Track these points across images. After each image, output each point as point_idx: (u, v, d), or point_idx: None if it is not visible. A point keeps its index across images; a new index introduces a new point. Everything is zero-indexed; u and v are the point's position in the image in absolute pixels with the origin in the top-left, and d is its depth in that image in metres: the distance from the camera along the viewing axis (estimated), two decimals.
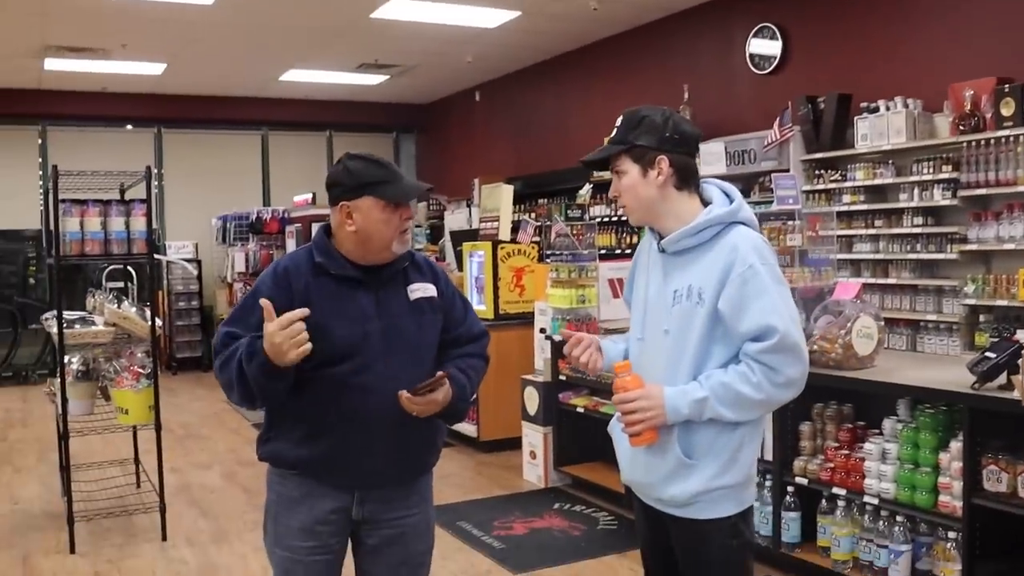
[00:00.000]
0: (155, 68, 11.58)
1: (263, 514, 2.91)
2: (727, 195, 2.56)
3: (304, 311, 2.50)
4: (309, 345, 2.48)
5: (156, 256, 6.83)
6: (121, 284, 7.17)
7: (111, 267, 7.27)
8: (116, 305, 5.60)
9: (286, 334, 2.46)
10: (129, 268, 7.51)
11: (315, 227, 11.59)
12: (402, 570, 2.83)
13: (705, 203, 2.55)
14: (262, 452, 2.81)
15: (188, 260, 13.06)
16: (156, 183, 11.76)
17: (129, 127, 13.74)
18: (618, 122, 2.62)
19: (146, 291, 7.91)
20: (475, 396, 3.14)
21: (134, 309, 5.66)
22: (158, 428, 5.52)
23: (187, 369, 12.99)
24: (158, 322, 5.61)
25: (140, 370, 5.47)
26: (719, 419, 2.42)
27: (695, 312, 2.45)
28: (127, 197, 5.83)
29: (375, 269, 2.73)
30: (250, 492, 6.72)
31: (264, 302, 2.51)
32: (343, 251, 2.72)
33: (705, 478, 2.46)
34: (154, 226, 5.86)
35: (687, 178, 2.53)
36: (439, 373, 2.65)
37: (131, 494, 6.37)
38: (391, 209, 2.65)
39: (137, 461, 6.71)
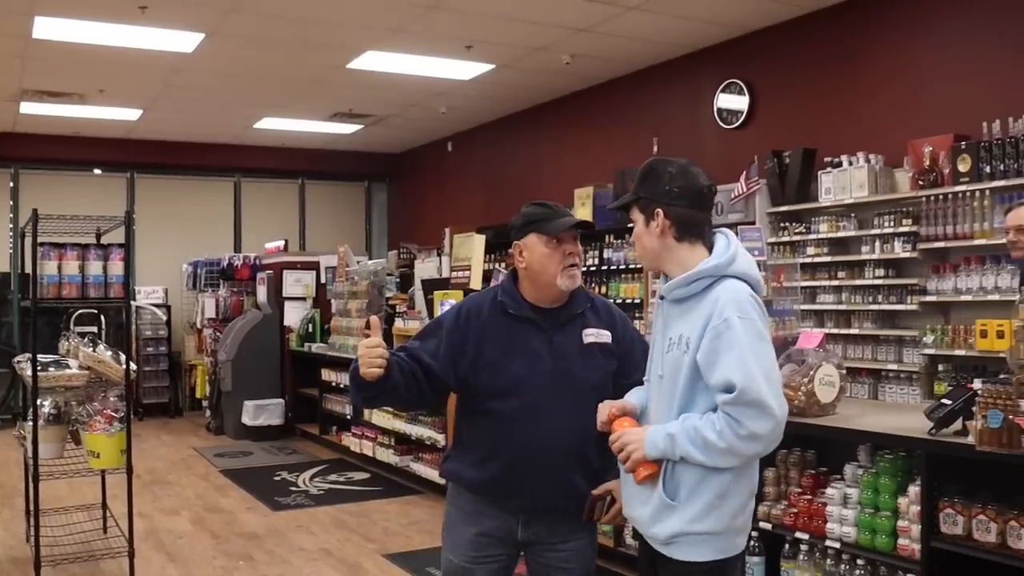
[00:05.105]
0: (131, 114, 11.65)
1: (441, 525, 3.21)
2: (729, 246, 2.61)
3: (381, 344, 2.77)
4: (378, 371, 2.73)
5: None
6: (89, 328, 7.18)
7: (80, 311, 7.27)
8: (92, 349, 5.62)
9: (365, 352, 2.74)
10: (99, 313, 7.52)
11: (286, 273, 11.69)
12: None
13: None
14: (442, 469, 3.11)
15: (158, 305, 13.05)
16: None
17: (98, 171, 13.77)
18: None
19: (112, 336, 7.93)
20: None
21: (109, 353, 5.69)
22: (129, 472, 5.52)
23: (154, 415, 12.93)
24: (132, 366, 5.63)
25: (113, 414, 5.48)
26: (690, 459, 2.47)
27: (682, 360, 2.54)
28: (103, 242, 5.88)
29: (552, 311, 2.98)
30: (218, 538, 6.70)
31: (373, 319, 2.81)
32: (523, 291, 3.01)
33: (683, 520, 2.52)
34: None
35: (687, 229, 2.60)
36: (590, 496, 2.92)
37: (98, 539, 6.34)
38: (553, 244, 2.92)
39: (105, 506, 6.67)
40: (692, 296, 2.57)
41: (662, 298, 2.68)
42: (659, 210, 2.59)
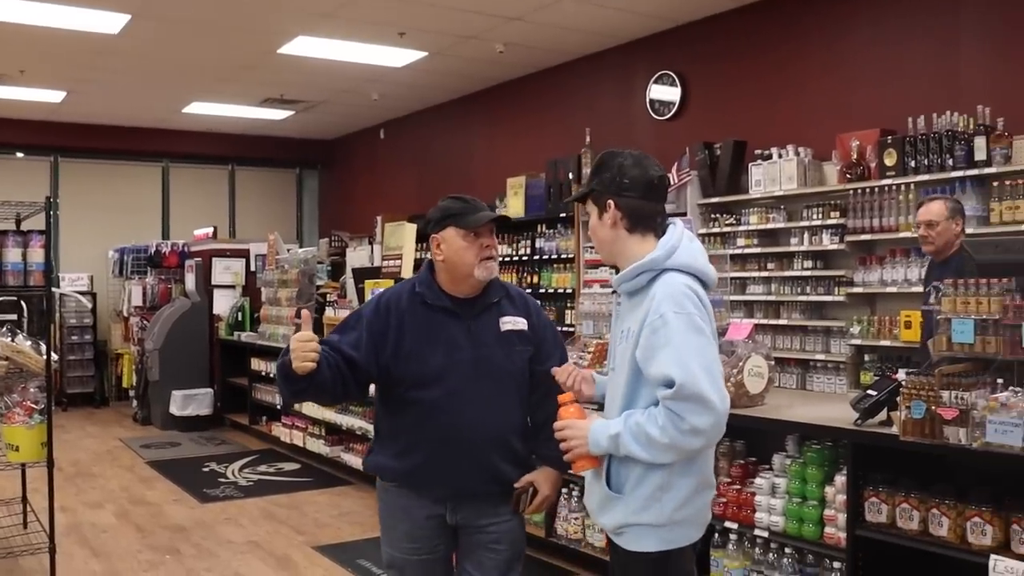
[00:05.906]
0: (54, 96, 11.33)
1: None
2: (670, 238, 2.60)
3: (314, 338, 2.79)
4: (311, 365, 2.75)
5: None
6: (9, 316, 7.00)
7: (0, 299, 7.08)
8: (10, 338, 5.46)
9: (298, 346, 2.75)
10: (20, 300, 7.33)
11: (215, 261, 11.52)
12: (494, 574, 3.10)
13: None
14: (366, 464, 3.18)
15: (82, 293, 12.75)
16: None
17: (19, 155, 13.39)
18: None
19: (35, 324, 7.73)
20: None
21: (28, 343, 5.53)
22: (50, 466, 5.37)
23: (78, 405, 12.64)
24: (53, 356, 5.48)
25: (33, 405, 5.33)
26: (634, 457, 2.47)
27: (627, 354, 2.55)
28: (23, 228, 5.71)
29: (469, 301, 3.05)
30: (144, 531, 6.58)
31: (304, 312, 2.86)
32: (440, 283, 3.07)
33: (626, 512, 2.54)
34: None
35: (638, 221, 2.60)
36: (516, 487, 3.03)
37: (17, 535, 6.16)
38: (471, 237, 2.98)
39: (25, 500, 6.50)
40: (640, 290, 2.57)
41: (615, 292, 2.69)
42: (610, 201, 2.61)
